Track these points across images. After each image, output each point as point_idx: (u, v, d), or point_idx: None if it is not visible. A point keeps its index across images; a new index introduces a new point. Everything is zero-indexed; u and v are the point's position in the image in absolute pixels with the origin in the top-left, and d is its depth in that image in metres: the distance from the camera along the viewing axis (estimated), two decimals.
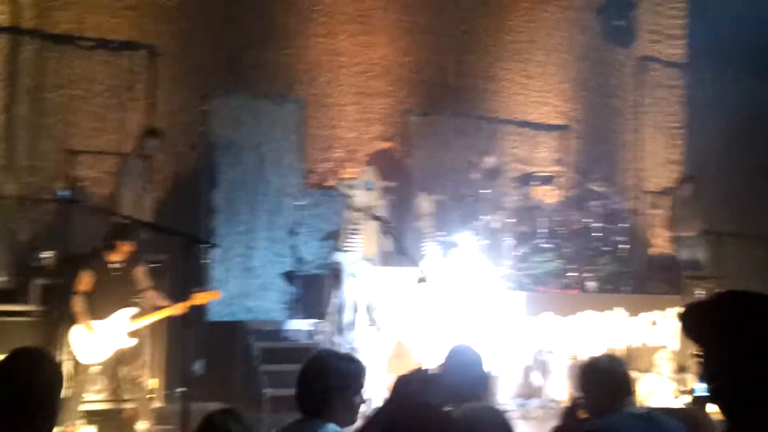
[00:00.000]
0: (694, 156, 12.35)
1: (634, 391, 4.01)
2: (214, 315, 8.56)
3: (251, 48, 10.51)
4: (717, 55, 12.15)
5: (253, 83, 10.41)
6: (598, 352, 9.18)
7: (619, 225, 10.46)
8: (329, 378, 3.35)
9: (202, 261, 8.79)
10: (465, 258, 8.98)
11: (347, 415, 3.36)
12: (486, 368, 4.27)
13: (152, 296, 7.46)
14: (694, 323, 2.24)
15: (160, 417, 7.60)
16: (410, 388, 3.54)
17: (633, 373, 8.82)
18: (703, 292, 10.06)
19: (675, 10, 12.92)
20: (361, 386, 3.42)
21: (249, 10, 10.54)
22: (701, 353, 2.22)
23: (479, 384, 4.18)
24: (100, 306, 7.29)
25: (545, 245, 10.05)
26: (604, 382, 3.90)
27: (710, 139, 12.16)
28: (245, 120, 10.02)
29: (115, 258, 7.41)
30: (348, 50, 11.16)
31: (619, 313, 9.68)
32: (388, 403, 3.68)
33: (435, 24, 11.62)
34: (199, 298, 7.06)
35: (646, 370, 9.17)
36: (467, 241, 9.11)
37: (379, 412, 3.61)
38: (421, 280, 7.22)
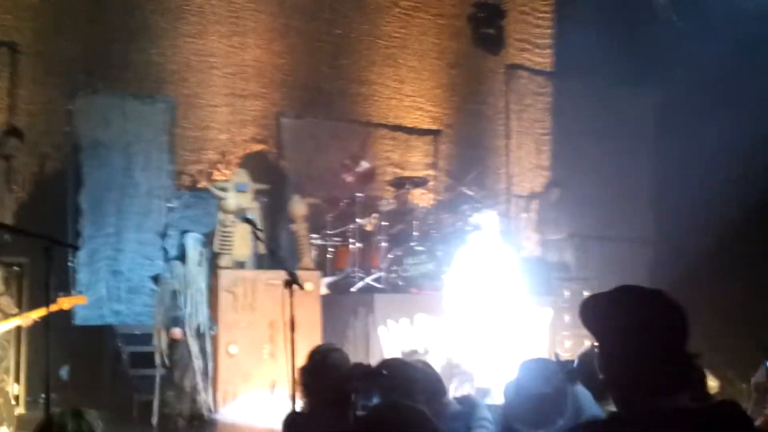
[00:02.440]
0: (561, 162, 12.72)
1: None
2: (81, 319, 8.28)
3: (119, 47, 10.23)
4: (582, 64, 12.54)
5: (121, 83, 10.15)
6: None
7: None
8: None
9: (68, 264, 8.48)
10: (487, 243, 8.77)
11: None
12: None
13: (2, 303, 7.12)
14: (589, 315, 2.35)
15: (22, 423, 7.31)
16: (351, 384, 3.47)
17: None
18: (568, 293, 10.39)
19: (542, 20, 13.28)
20: None
21: (116, 9, 10.27)
22: (597, 343, 2.34)
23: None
24: None
25: (419, 248, 10.13)
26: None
27: (576, 146, 12.55)
28: (113, 120, 9.77)
29: None
30: (219, 51, 11.00)
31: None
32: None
33: (309, 27, 11.59)
34: (63, 303, 6.79)
35: None
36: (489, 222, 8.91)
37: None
38: (291, 282, 7.09)
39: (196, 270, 8.21)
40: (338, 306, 9.51)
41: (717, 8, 11.75)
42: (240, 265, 9.34)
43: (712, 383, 6.92)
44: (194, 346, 8.03)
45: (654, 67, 12.57)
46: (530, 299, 9.11)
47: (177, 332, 7.88)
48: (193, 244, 8.20)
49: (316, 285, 9.26)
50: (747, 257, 11.83)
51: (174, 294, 7.98)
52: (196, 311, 8.13)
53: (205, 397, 8.05)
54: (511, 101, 12.85)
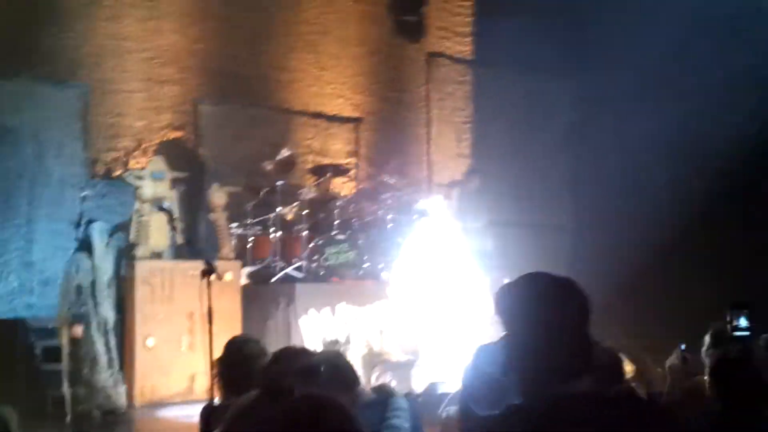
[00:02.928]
0: (481, 150, 12.79)
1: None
2: None
3: (30, 30, 9.88)
4: (502, 53, 12.62)
5: (33, 67, 9.81)
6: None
7: (411, 216, 10.63)
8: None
9: None
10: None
11: None
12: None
13: None
14: (499, 304, 2.37)
15: None
16: (288, 380, 3.40)
17: (422, 361, 9.07)
18: (489, 280, 10.44)
19: (462, 8, 13.31)
20: None
21: None
22: (505, 330, 2.36)
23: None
24: None
25: (340, 236, 10.08)
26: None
27: (496, 134, 12.64)
28: (23, 106, 9.46)
29: None
30: (135, 35, 10.72)
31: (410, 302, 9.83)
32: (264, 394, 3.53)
33: (227, 12, 11.38)
34: None
35: None
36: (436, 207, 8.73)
37: (255, 405, 3.48)
38: (208, 272, 6.95)
39: (102, 262, 7.99)
40: (259, 296, 9.40)
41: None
42: (157, 255, 9.14)
43: (629, 368, 7.04)
44: (100, 342, 7.83)
45: (572, 57, 12.73)
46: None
47: (78, 330, 7.65)
48: (99, 234, 7.96)
49: (236, 275, 9.14)
50: (662, 245, 12.08)
51: (78, 288, 7.75)
52: (102, 305, 7.93)
53: (117, 392, 7.87)
54: (432, 89, 12.86)
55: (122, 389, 7.89)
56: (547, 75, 12.84)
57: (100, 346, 7.79)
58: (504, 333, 2.38)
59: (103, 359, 7.77)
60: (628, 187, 11.61)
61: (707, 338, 6.19)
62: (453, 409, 4.54)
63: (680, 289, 11.25)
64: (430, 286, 8.38)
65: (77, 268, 7.79)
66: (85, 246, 8.02)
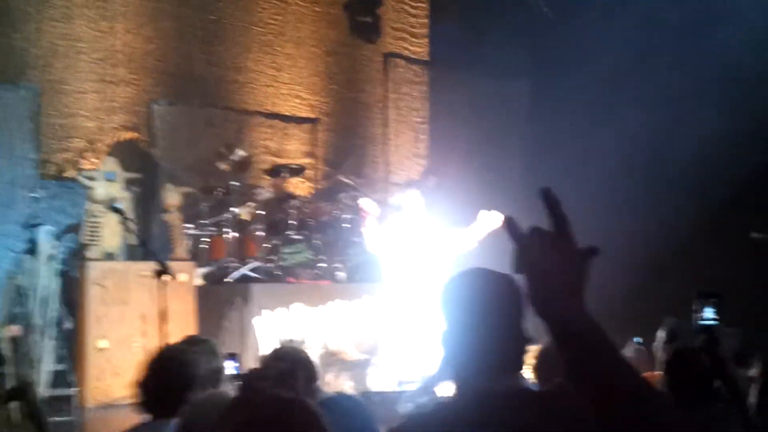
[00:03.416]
0: (438, 150, 12.81)
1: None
2: None
3: None
4: (457, 53, 12.67)
5: None
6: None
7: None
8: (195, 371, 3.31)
9: None
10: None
11: None
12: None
13: None
14: (441, 297, 2.40)
15: None
16: (265, 384, 3.37)
17: (378, 360, 9.05)
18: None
19: (418, 9, 13.33)
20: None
21: None
22: (442, 323, 2.37)
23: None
24: None
25: (295, 236, 10.03)
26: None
27: (452, 134, 12.68)
28: None
29: None
30: (87, 36, 10.59)
31: (368, 302, 9.82)
32: (241, 398, 3.49)
33: (181, 12, 11.29)
34: None
35: None
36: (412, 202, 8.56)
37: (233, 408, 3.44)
38: (161, 272, 6.88)
39: (46, 265, 7.89)
40: (213, 296, 9.31)
41: None
42: (110, 256, 9.03)
43: None
44: (40, 344, 7.74)
45: (525, 57, 12.81)
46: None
47: (14, 329, 7.56)
48: (44, 237, 7.87)
49: (190, 276, 9.05)
50: (621, 243, 12.15)
51: (19, 289, 7.65)
52: (44, 307, 7.82)
53: (60, 393, 7.78)
54: (388, 90, 12.86)
55: (70, 390, 7.79)
56: (500, 74, 12.89)
57: (40, 348, 7.70)
58: (442, 328, 2.39)
59: (46, 361, 7.67)
60: (584, 185, 11.67)
61: (660, 332, 6.24)
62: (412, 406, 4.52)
63: (643, 292, 11.33)
64: (401, 282, 8.33)
65: (20, 268, 7.70)
66: (31, 248, 7.93)
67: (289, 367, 3.80)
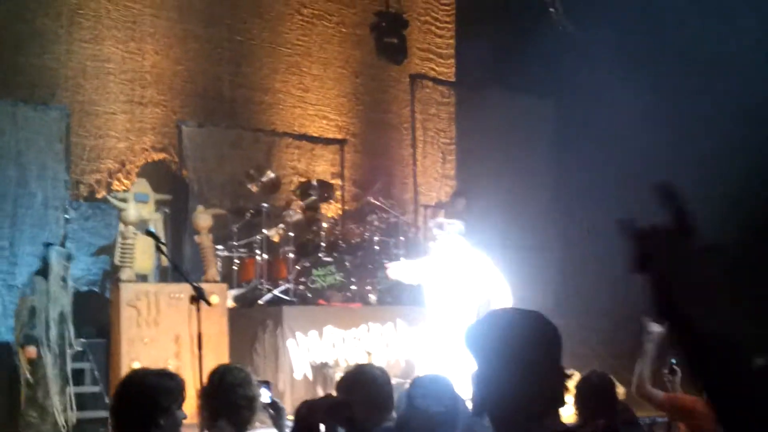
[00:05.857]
0: (466, 171, 12.77)
1: (392, 406, 4.05)
2: None
3: (9, 52, 9.76)
4: (483, 73, 12.66)
5: (12, 89, 9.67)
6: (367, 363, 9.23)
7: (398, 238, 10.59)
8: (157, 397, 3.23)
9: None
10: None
11: None
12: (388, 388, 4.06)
13: None
14: (470, 339, 2.32)
15: None
16: (317, 417, 3.32)
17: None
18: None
19: (444, 30, 13.34)
20: (183, 400, 3.37)
21: (5, 12, 9.78)
22: (474, 366, 2.30)
23: (384, 405, 3.97)
24: None
25: (326, 258, 9.98)
26: (369, 394, 3.92)
27: (480, 155, 12.64)
28: (4, 127, 9.31)
29: None
30: (116, 57, 10.62)
31: (400, 325, 9.75)
32: None
33: (209, 34, 11.32)
34: None
35: None
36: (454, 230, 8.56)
37: None
38: (197, 298, 6.85)
39: (58, 285, 7.86)
40: (246, 319, 9.27)
41: (610, 16, 12.03)
42: (142, 278, 8.99)
43: (620, 389, 6.98)
44: (52, 366, 7.71)
45: (551, 75, 12.78)
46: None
47: (31, 351, 7.54)
48: (56, 258, 7.84)
49: (222, 297, 9.00)
50: None
51: (32, 310, 7.63)
52: (57, 329, 7.80)
53: (66, 418, 7.73)
54: (416, 111, 12.85)
55: (72, 415, 7.75)
56: (527, 93, 12.87)
57: (50, 369, 7.66)
58: (474, 369, 2.33)
59: (53, 383, 7.63)
60: (612, 204, 11.60)
61: None
62: None
63: None
64: (440, 307, 8.30)
65: (32, 289, 7.69)
66: (44, 268, 7.93)
67: (342, 397, 3.74)
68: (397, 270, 8.94)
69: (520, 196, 12.65)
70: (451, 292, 8.15)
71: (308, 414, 3.37)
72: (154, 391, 3.31)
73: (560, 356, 2.27)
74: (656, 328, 5.68)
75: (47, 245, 8.16)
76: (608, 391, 5.32)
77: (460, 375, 7.61)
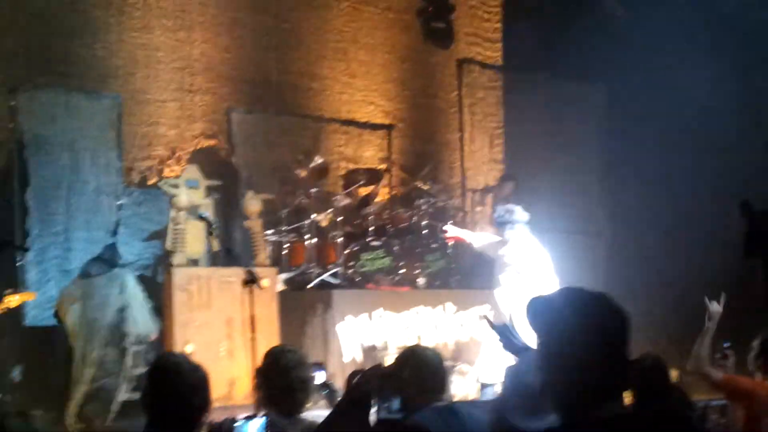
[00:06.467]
0: (514, 154, 12.72)
1: (445, 387, 4.03)
2: (32, 319, 8.00)
3: (61, 41, 9.91)
4: (531, 57, 12.59)
5: (64, 78, 9.83)
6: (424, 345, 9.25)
7: (446, 222, 10.58)
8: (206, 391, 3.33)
9: (16, 264, 8.18)
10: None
11: None
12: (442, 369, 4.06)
13: None
14: (535, 316, 2.31)
15: None
16: (370, 385, 3.35)
17: (463, 367, 9.00)
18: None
19: (491, 14, 13.28)
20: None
21: (57, 2, 9.94)
22: (539, 344, 2.31)
23: (437, 387, 3.98)
24: None
25: (375, 243, 10.02)
26: (422, 375, 3.91)
27: (528, 139, 12.58)
28: (57, 116, 9.46)
29: None
30: (166, 45, 10.73)
31: (449, 308, 9.77)
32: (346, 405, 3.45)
33: (257, 21, 11.39)
34: (11, 301, 6.54)
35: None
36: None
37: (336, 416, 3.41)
38: (250, 281, 6.94)
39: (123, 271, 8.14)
40: (295, 303, 9.34)
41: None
42: (193, 263, 9.11)
43: (673, 373, 6.93)
44: (108, 349, 7.91)
45: (601, 59, 12.66)
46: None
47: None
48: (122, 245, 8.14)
49: (272, 281, 9.07)
50: (698, 248, 11.93)
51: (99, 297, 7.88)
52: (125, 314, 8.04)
53: (122, 400, 7.91)
54: (463, 95, 12.81)
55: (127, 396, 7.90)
56: (576, 77, 12.76)
57: (106, 351, 7.84)
58: (538, 346, 2.32)
59: (110, 366, 7.79)
60: (666, 192, 11.50)
61: (755, 344, 5.97)
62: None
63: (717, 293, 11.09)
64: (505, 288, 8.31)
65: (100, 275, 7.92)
66: (110, 255, 8.12)
67: (392, 370, 3.76)
68: (480, 239, 8.93)
69: (568, 180, 12.58)
70: (523, 275, 8.17)
71: (362, 382, 3.39)
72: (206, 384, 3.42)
73: (626, 340, 2.25)
74: (717, 308, 5.64)
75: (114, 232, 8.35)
76: (662, 374, 5.28)
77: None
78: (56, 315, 7.95)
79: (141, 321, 8.15)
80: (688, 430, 2.35)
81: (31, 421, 3.06)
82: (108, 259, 8.43)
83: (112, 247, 8.78)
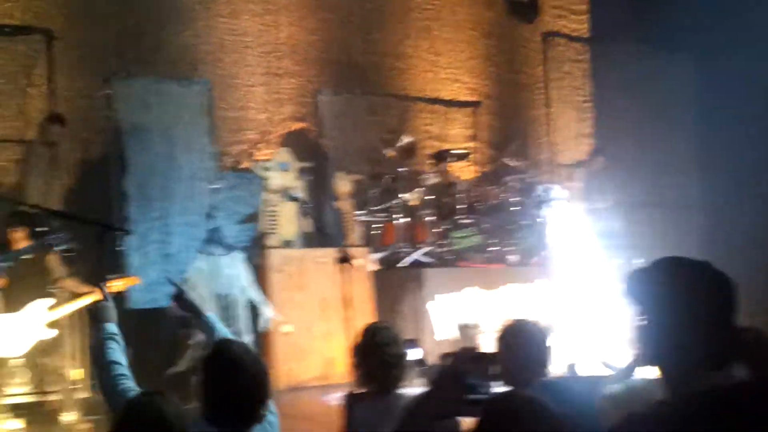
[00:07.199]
0: (604, 129, 12.54)
1: (549, 362, 4.00)
2: (135, 302, 8.21)
3: (151, 29, 10.13)
4: (619, 29, 12.36)
5: (156, 65, 10.04)
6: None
7: (535, 198, 10.52)
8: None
9: (118, 249, 8.42)
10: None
11: None
12: (546, 344, 4.05)
13: (70, 284, 7.12)
14: (636, 287, 2.27)
15: (87, 407, 7.36)
16: (465, 367, 3.39)
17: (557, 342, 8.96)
18: (620, 261, 10.22)
19: None
20: None
21: None
22: (641, 317, 2.25)
23: (541, 361, 4.00)
24: (14, 297, 6.91)
25: (465, 221, 10.03)
26: (527, 349, 3.88)
27: (618, 112, 12.38)
28: (151, 103, 9.64)
29: (19, 247, 7.07)
30: (253, 30, 10.88)
31: (541, 285, 9.72)
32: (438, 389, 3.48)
33: (341, 2, 11.45)
34: (117, 285, 6.73)
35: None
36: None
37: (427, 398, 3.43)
38: (344, 259, 7.03)
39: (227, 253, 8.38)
40: (388, 281, 9.43)
41: None
42: (287, 243, 9.26)
43: None
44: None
45: (692, 29, 12.36)
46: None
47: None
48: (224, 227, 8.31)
49: (365, 261, 9.18)
50: None
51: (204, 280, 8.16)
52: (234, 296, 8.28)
53: None
54: (549, 69, 12.67)
55: None
56: (666, 48, 12.49)
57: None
58: (638, 320, 2.26)
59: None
60: (761, 161, 11.19)
61: None
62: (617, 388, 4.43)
63: None
64: (568, 269, 8.28)
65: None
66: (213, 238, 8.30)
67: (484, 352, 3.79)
68: None
69: (660, 153, 12.35)
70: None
71: (455, 364, 3.41)
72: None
73: (733, 309, 2.20)
74: None
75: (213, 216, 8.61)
76: (765, 346, 5.19)
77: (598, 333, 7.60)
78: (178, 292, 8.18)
79: (259, 300, 8.42)
80: None
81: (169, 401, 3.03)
82: (219, 242, 8.65)
83: (218, 230, 8.98)
